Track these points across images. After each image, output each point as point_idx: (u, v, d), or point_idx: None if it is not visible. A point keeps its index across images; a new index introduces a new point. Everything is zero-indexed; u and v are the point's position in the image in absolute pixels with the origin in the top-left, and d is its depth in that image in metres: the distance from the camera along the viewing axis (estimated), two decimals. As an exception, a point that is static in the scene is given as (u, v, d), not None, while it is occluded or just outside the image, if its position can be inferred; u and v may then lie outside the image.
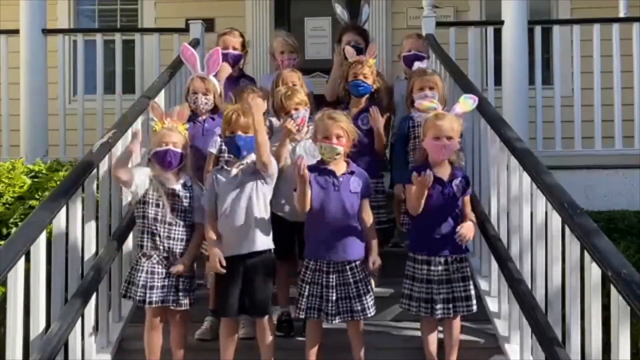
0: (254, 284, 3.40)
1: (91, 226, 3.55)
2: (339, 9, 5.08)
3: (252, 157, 3.49)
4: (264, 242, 3.44)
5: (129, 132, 3.99)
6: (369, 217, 3.54)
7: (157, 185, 3.49)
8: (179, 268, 3.44)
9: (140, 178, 3.49)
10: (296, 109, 3.76)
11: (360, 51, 4.43)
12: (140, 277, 3.41)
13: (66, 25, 7.58)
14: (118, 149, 3.84)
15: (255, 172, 3.45)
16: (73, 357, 3.24)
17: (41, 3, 5.83)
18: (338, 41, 4.80)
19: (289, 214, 3.67)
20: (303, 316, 3.45)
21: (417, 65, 4.39)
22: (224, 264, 3.38)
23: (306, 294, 3.41)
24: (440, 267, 3.44)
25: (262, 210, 3.45)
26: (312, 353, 3.46)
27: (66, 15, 7.67)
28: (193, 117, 3.98)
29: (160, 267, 3.44)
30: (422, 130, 3.58)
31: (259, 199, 3.44)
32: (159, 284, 3.42)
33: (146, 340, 3.50)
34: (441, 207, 3.45)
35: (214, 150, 3.81)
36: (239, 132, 3.43)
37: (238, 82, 4.61)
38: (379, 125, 4.01)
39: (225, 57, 4.58)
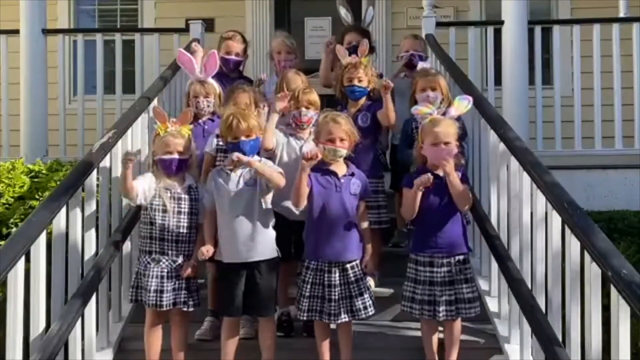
0: (258, 284, 3.40)
1: (91, 226, 3.55)
2: (342, 11, 5.07)
3: (255, 158, 3.48)
4: (269, 250, 3.44)
5: (129, 132, 4.00)
6: (365, 219, 3.59)
7: (162, 191, 3.49)
8: (189, 272, 3.46)
9: (144, 187, 3.48)
10: (307, 107, 3.77)
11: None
12: (151, 282, 3.42)
13: (66, 25, 7.59)
14: (118, 149, 3.84)
15: (257, 180, 3.43)
16: (73, 357, 3.24)
17: (41, 3, 5.83)
18: (340, 42, 4.80)
19: (288, 211, 3.66)
20: (305, 318, 3.46)
21: (421, 65, 4.41)
22: (210, 254, 3.39)
23: (307, 294, 3.41)
24: (443, 269, 3.44)
25: (266, 218, 3.45)
26: (325, 351, 3.46)
27: (66, 15, 7.68)
28: (193, 119, 3.97)
29: (168, 270, 3.45)
30: (420, 136, 3.60)
31: (261, 206, 3.43)
32: (170, 288, 3.43)
33: (146, 341, 3.50)
34: (441, 207, 3.47)
35: (209, 149, 3.81)
36: (243, 138, 3.42)
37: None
38: (387, 96, 3.96)
39: (227, 62, 4.58)
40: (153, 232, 3.48)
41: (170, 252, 3.46)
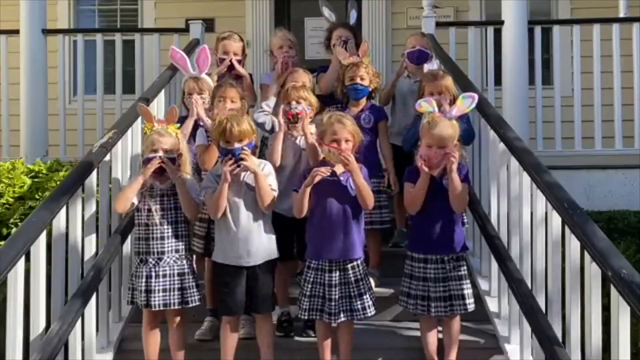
0: (257, 282, 3.41)
1: (91, 226, 3.56)
2: (326, 12, 5.06)
3: (257, 161, 3.47)
4: (270, 252, 3.46)
5: (129, 132, 4.00)
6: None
7: (147, 191, 3.48)
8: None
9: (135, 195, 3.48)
10: (298, 102, 3.76)
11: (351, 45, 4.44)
12: (140, 282, 3.43)
13: (66, 25, 7.58)
14: (118, 148, 3.84)
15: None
16: (73, 357, 3.24)
17: (41, 3, 5.83)
18: (328, 39, 4.79)
19: (287, 210, 3.64)
20: (306, 317, 3.46)
21: (426, 67, 4.38)
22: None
23: (308, 293, 3.41)
24: (436, 266, 3.46)
25: (266, 220, 3.46)
26: (326, 351, 3.46)
27: (66, 15, 7.67)
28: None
29: (156, 269, 3.43)
30: (420, 134, 3.57)
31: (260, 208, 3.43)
32: (159, 288, 3.42)
33: (144, 341, 3.50)
34: (435, 207, 3.47)
35: (201, 142, 3.80)
36: (236, 144, 3.37)
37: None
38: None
39: (223, 62, 4.56)
40: (140, 233, 3.49)
41: (155, 250, 3.45)
